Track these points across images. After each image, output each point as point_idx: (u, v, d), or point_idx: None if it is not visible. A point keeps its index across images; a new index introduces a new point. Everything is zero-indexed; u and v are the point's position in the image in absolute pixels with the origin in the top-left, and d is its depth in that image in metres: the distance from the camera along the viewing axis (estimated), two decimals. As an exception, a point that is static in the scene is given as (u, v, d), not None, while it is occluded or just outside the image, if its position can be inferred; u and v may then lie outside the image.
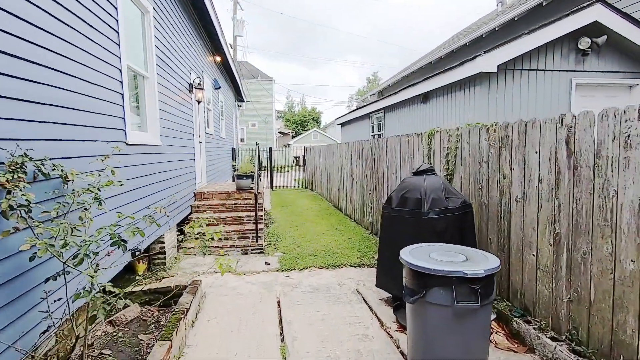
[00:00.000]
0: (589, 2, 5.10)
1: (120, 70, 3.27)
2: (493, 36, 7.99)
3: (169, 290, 3.19)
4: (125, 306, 1.87)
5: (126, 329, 2.78)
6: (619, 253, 2.01)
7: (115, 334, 2.69)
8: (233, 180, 7.93)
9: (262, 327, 2.95)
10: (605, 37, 5.22)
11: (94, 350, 2.38)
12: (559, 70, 5.29)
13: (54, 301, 1.93)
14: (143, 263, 4.28)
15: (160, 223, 3.74)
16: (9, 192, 1.65)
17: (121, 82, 3.28)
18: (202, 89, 6.65)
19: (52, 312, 1.86)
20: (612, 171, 2.04)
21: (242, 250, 5.14)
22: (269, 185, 13.30)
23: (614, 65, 5.56)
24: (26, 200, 1.71)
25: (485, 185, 3.18)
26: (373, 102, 10.52)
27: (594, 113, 2.15)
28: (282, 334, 2.87)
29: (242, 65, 26.77)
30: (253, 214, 5.75)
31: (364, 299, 3.46)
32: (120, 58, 3.27)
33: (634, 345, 1.93)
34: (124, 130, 3.30)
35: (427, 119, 7.10)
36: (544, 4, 6.85)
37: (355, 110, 12.86)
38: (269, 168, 13.64)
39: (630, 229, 1.93)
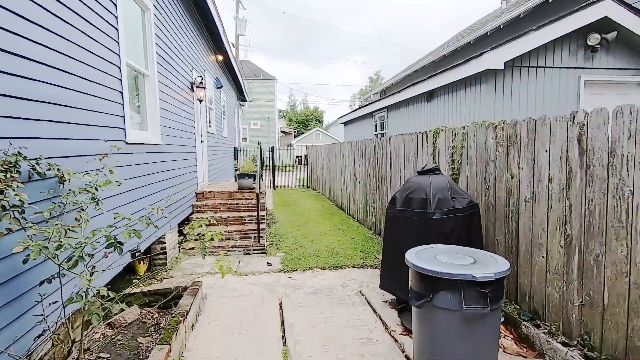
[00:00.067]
0: (597, -2, 5.00)
1: (120, 68, 3.22)
2: (498, 34, 7.88)
3: (169, 291, 3.13)
4: (121, 310, 1.82)
5: (125, 332, 2.73)
6: (634, 256, 1.93)
7: (114, 336, 2.63)
8: (235, 180, 7.87)
9: (263, 330, 2.89)
10: (615, 33, 5.10)
11: (91, 354, 2.32)
12: (567, 68, 5.18)
13: (49, 304, 1.87)
14: (144, 264, 4.23)
15: (160, 224, 3.68)
16: (1, 192, 1.59)
17: (120, 80, 3.23)
18: (204, 87, 6.59)
19: (47, 316, 1.80)
20: (627, 170, 1.96)
21: (244, 250, 5.08)
22: (271, 184, 13.25)
23: (624, 62, 5.44)
24: (19, 200, 1.65)
25: (492, 185, 3.10)
26: (376, 101, 10.43)
27: (608, 110, 2.06)
28: (284, 336, 2.80)
29: (245, 64, 26.73)
30: (255, 213, 5.69)
31: (367, 301, 3.39)
32: (119, 56, 3.22)
33: (650, 352, 1.85)
34: (124, 129, 3.24)
35: (432, 117, 7.02)
36: (550, 0, 6.74)
37: (358, 109, 12.78)
38: (271, 167, 13.59)
39: (647, 231, 1.85)
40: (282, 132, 39.32)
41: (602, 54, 5.28)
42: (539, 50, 5.09)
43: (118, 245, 1.73)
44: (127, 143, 3.28)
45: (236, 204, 5.96)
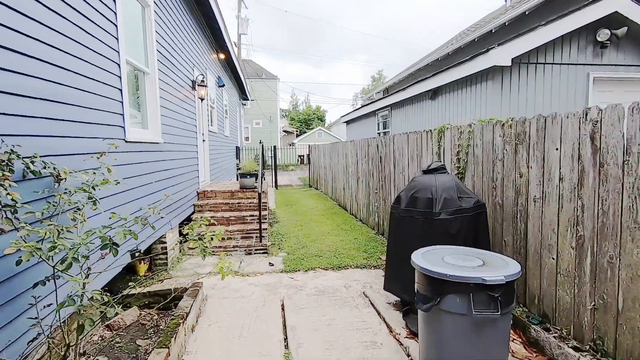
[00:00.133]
0: (608, -8, 4.89)
1: (119, 65, 3.16)
2: (503, 31, 7.77)
3: (169, 292, 3.08)
4: (116, 314, 1.76)
5: (124, 334, 2.67)
6: (651, 258, 1.85)
7: (112, 339, 2.58)
8: (237, 179, 7.82)
9: (265, 333, 2.82)
10: (625, 28, 4.98)
11: (88, 357, 2.27)
12: (576, 64, 5.06)
13: (44, 307, 1.82)
14: (144, 263, 4.18)
15: (160, 224, 3.63)
16: (-8, 191, 1.54)
17: (120, 77, 3.17)
18: (205, 86, 6.54)
19: (41, 319, 1.75)
20: (643, 169, 1.87)
21: (245, 250, 5.02)
22: (273, 184, 13.20)
23: (635, 58, 5.31)
24: (12, 200, 1.59)
25: (499, 185, 3.02)
26: (379, 100, 10.34)
27: (624, 106, 1.98)
28: (286, 339, 2.74)
29: (247, 63, 26.69)
30: (257, 213, 5.63)
31: (371, 303, 3.32)
32: (118, 52, 3.16)
33: (668, 359, 1.77)
34: (123, 127, 3.19)
35: (436, 115, 6.92)
36: (556, -3, 6.63)
37: (360, 107, 12.69)
38: (273, 167, 13.54)
39: (665, 232, 1.77)
40: (285, 131, 39.27)
41: (611, 50, 5.16)
42: (546, 46, 4.98)
43: (113, 246, 1.67)
44: (126, 141, 3.23)
45: (238, 203, 5.91)
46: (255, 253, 5.00)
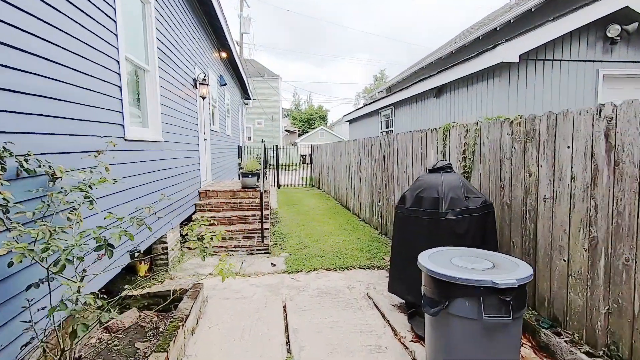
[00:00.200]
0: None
1: (118, 62, 3.10)
2: (508, 29, 7.66)
3: (168, 294, 3.02)
4: (111, 319, 1.70)
5: (122, 336, 2.61)
6: (670, 261, 1.77)
7: (110, 341, 2.52)
8: (239, 179, 7.76)
9: (266, 335, 2.76)
10: (636, 24, 4.86)
11: (86, 361, 2.21)
12: (585, 61, 4.95)
13: (38, 310, 1.76)
14: (145, 264, 4.13)
15: (159, 224, 3.56)
16: (-18, 190, 1.48)
17: (119, 74, 3.11)
18: (207, 84, 6.48)
19: (35, 323, 1.68)
20: (662, 167, 1.79)
21: (247, 250, 4.96)
22: (276, 183, 13.14)
23: (647, 54, 5.19)
24: (4, 199, 1.53)
25: (507, 184, 2.93)
26: (382, 98, 10.26)
27: (640, 102, 1.90)
28: (288, 342, 2.67)
29: (249, 63, 26.64)
30: (259, 212, 5.57)
31: (375, 305, 3.25)
32: (118, 49, 3.10)
33: (689, 367, 1.69)
34: (122, 125, 3.13)
35: (441, 114, 6.83)
36: (563, -7, 6.51)
37: (363, 107, 12.60)
38: (275, 166, 13.48)
39: (686, 234, 1.69)
40: (287, 130, 39.23)
41: (622, 46, 5.03)
42: (555, 42, 4.87)
43: (108, 247, 1.60)
44: (126, 140, 3.17)
45: (239, 202, 5.85)
46: (257, 253, 4.94)
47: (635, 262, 1.94)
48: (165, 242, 4.25)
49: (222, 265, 2.05)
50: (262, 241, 5.08)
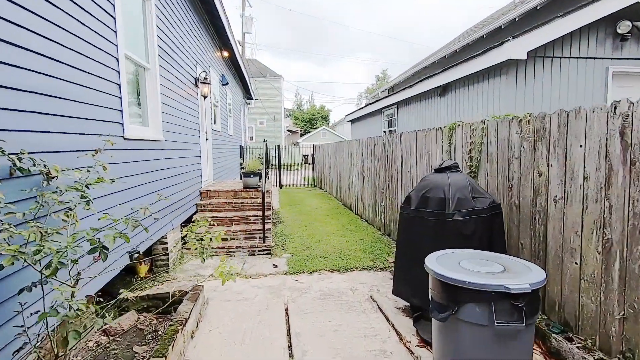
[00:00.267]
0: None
1: (117, 59, 3.04)
2: (513, 27, 7.56)
3: (168, 296, 2.96)
4: (105, 324, 1.63)
5: (121, 340, 2.55)
6: (691, 265, 1.68)
7: (108, 345, 2.46)
8: (240, 179, 7.71)
9: (268, 339, 2.69)
10: (647, 20, 4.78)
11: (82, 365, 2.15)
12: (594, 58, 4.85)
13: (31, 314, 1.69)
14: (145, 265, 4.07)
15: (158, 225, 3.50)
16: (-29, 190, 1.41)
17: (118, 72, 3.05)
18: (209, 83, 6.42)
19: (28, 328, 1.62)
20: (682, 167, 1.71)
21: (248, 251, 4.90)
22: (278, 183, 13.08)
23: (657, 52, 5.07)
24: (-5, 199, 1.47)
25: (516, 184, 2.85)
26: (385, 97, 10.17)
27: (659, 98, 1.82)
28: (290, 346, 2.60)
29: (251, 62, 26.61)
30: (260, 213, 5.50)
31: (379, 308, 3.17)
32: (117, 46, 3.04)
33: None
34: (121, 124, 3.07)
35: (445, 112, 6.74)
36: (569, -9, 6.41)
37: (365, 106, 12.52)
38: (277, 166, 13.42)
39: None
40: (289, 130, 39.17)
41: (632, 43, 4.92)
42: (563, 39, 4.77)
43: (103, 250, 1.54)
44: (125, 139, 3.11)
45: (241, 202, 5.78)
46: (258, 254, 4.87)
47: (653, 266, 1.85)
48: (166, 243, 4.19)
49: (223, 268, 1.98)
50: (264, 242, 5.01)
